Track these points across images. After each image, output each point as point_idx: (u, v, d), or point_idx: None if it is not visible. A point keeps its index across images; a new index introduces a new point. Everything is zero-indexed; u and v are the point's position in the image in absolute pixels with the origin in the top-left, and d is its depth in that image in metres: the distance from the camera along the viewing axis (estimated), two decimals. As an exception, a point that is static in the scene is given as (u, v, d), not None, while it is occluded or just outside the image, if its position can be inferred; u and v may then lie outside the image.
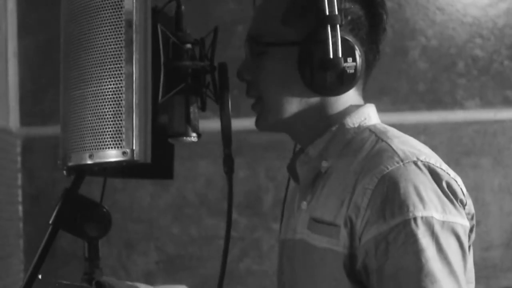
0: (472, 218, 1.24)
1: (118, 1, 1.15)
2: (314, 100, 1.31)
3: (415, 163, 1.20)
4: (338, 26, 1.23)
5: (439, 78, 3.15)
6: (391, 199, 1.16)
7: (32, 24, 3.12)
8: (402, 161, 1.19)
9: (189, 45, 1.25)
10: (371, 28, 1.31)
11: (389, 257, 1.15)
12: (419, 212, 1.15)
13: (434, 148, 1.28)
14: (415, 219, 1.15)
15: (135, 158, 1.14)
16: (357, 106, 1.33)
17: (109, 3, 1.15)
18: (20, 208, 3.10)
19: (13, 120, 3.10)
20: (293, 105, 1.30)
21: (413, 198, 1.15)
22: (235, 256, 3.05)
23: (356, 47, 1.25)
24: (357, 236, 1.18)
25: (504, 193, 3.11)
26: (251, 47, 1.32)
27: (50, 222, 1.25)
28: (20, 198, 3.10)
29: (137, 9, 1.14)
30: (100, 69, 1.14)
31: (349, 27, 1.27)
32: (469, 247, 1.23)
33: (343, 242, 1.20)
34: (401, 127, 1.32)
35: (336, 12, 1.23)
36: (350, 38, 1.26)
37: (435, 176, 1.19)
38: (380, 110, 1.36)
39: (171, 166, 1.43)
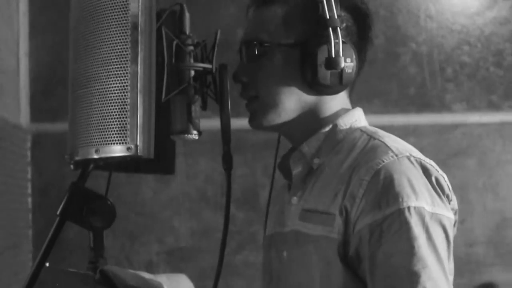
0: (455, 214, 1.26)
1: (124, 5, 1.14)
2: (311, 100, 1.32)
3: (408, 158, 1.22)
4: (338, 28, 1.25)
5: (428, 83, 3.15)
6: (386, 190, 1.18)
7: (43, 25, 3.12)
8: (396, 155, 1.22)
9: (191, 47, 1.25)
10: (359, 36, 1.33)
11: (383, 243, 1.16)
12: (412, 202, 1.17)
13: (422, 149, 1.29)
14: (408, 208, 1.16)
15: (139, 154, 1.13)
16: (347, 109, 1.35)
17: (116, 6, 1.15)
18: (30, 200, 3.10)
19: (24, 117, 3.09)
20: (291, 103, 1.31)
21: (407, 189, 1.17)
22: (232, 249, 3.05)
23: (352, 50, 1.28)
24: (351, 224, 1.20)
25: (488, 193, 3.11)
26: (250, 49, 1.32)
27: (58, 213, 1.24)
28: (29, 191, 3.10)
29: (142, 12, 1.14)
30: (107, 69, 1.14)
31: (344, 33, 1.29)
32: (451, 240, 1.25)
33: (338, 229, 1.21)
34: (392, 129, 1.33)
35: (336, 17, 1.25)
36: (347, 41, 1.28)
37: (426, 171, 1.21)
38: (371, 112, 1.37)
39: (172, 162, 1.42)
